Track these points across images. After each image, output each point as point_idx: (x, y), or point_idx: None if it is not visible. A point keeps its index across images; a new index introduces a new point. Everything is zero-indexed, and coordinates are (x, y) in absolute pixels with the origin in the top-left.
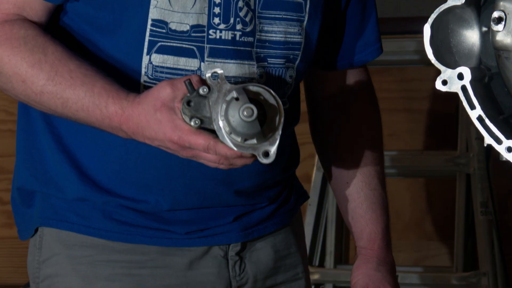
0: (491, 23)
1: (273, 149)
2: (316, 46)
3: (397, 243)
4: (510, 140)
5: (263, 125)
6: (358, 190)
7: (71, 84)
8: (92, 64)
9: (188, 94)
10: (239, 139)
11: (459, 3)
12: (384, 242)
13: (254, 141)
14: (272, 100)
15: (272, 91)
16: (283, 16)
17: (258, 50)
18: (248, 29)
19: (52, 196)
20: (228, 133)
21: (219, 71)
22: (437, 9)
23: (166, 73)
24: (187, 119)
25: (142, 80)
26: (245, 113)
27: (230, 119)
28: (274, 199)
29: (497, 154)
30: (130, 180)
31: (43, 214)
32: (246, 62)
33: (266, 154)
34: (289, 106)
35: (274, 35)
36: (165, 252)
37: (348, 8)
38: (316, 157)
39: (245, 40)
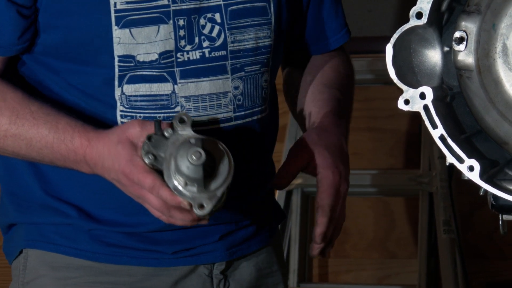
0: (453, 43)
1: (209, 204)
2: (286, 42)
3: (360, 262)
4: (471, 159)
5: (208, 177)
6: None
7: (34, 124)
8: (54, 106)
9: (153, 133)
10: (182, 180)
11: (421, 23)
12: (332, 115)
13: (194, 189)
14: (226, 163)
15: (231, 157)
16: (251, 23)
17: (233, 61)
18: (217, 44)
19: (37, 223)
20: (174, 172)
21: (186, 116)
22: (399, 29)
23: (141, 100)
24: (144, 156)
25: (118, 111)
26: (193, 156)
27: (178, 158)
28: (257, 218)
29: (459, 173)
30: (116, 208)
31: (29, 236)
32: (220, 77)
33: (201, 206)
34: (268, 112)
35: (246, 43)
36: (151, 273)
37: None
38: None
39: (216, 55)
